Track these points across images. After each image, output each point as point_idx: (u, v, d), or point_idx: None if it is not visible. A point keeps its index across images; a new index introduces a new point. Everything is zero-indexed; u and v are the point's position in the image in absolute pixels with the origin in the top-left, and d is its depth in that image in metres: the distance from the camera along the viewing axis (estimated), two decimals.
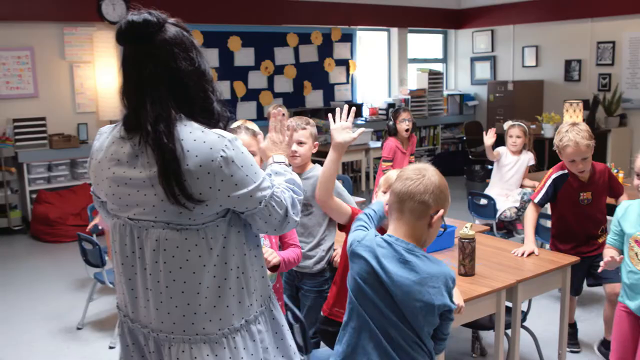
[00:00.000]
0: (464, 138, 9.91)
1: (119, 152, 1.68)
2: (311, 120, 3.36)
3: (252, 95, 8.64)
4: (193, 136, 1.62)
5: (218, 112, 1.73)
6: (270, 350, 1.84)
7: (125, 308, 1.81)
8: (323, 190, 2.45)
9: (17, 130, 6.74)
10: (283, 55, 8.84)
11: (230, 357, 1.73)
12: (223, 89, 8.32)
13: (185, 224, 1.65)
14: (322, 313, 2.67)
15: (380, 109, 9.65)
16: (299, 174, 2.82)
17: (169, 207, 1.63)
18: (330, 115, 2.46)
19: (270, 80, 8.78)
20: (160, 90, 1.63)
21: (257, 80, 8.66)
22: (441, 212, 1.92)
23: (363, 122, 9.27)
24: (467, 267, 2.87)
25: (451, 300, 1.93)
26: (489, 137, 4.95)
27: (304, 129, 3.19)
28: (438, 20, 10.23)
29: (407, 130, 5.37)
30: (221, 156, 1.61)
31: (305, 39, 9.01)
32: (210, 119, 1.71)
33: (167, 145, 1.58)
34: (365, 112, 9.68)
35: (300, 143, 3.19)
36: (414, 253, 1.91)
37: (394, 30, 9.99)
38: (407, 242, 1.92)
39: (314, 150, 3.28)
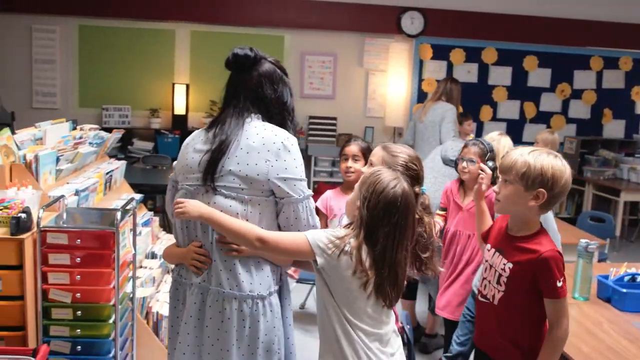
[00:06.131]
0: None
1: (201, 137, 2.15)
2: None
3: (543, 117, 8.28)
4: (266, 128, 2.08)
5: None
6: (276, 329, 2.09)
7: (178, 267, 2.20)
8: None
9: (311, 127, 7.59)
10: (583, 78, 8.29)
11: (259, 319, 2.03)
12: (512, 108, 8.17)
13: (232, 194, 2.01)
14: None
15: None
16: None
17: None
18: None
19: (565, 104, 8.31)
20: (241, 100, 2.11)
21: (550, 102, 8.27)
22: None
23: None
24: None
25: None
26: None
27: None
28: None
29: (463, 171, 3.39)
30: (282, 142, 2.05)
31: (612, 63, 8.31)
32: None
33: (228, 139, 2.04)
34: None
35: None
36: None
37: None
38: None
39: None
